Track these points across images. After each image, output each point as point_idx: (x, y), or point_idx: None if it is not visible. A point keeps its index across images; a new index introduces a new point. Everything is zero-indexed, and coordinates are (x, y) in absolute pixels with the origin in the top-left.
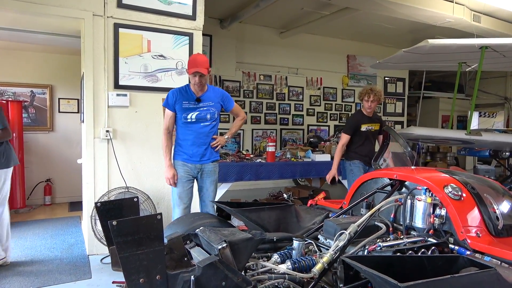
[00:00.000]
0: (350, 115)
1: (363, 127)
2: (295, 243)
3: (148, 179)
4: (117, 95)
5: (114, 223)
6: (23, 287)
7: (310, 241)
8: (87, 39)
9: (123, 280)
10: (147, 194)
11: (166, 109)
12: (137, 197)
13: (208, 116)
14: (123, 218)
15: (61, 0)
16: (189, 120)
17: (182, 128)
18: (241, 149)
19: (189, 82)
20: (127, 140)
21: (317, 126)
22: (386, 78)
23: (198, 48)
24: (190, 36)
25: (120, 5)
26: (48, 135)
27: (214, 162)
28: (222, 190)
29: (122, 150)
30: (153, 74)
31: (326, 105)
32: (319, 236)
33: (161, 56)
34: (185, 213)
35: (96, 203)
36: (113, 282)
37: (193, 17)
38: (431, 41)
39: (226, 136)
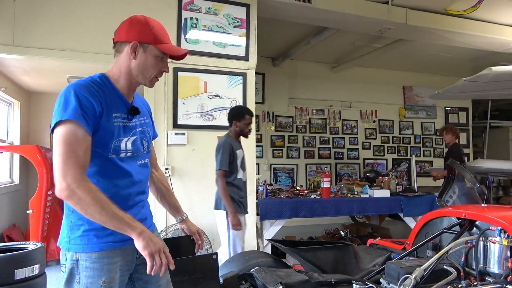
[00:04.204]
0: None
1: None
2: (355, 287)
3: (204, 215)
4: (176, 134)
5: None
6: None
7: (371, 285)
8: None
9: None
10: (203, 231)
11: (73, 128)
12: (192, 236)
13: (145, 147)
14: (179, 258)
15: None
16: (122, 155)
17: (103, 176)
18: (295, 185)
19: (102, 77)
20: (184, 177)
21: (374, 160)
22: (447, 108)
23: (251, 87)
24: (244, 75)
25: None
26: None
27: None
28: (277, 227)
29: (179, 186)
30: (209, 113)
31: (383, 138)
32: (381, 280)
33: (217, 96)
34: None
35: None
36: None
37: (246, 58)
38: (495, 68)
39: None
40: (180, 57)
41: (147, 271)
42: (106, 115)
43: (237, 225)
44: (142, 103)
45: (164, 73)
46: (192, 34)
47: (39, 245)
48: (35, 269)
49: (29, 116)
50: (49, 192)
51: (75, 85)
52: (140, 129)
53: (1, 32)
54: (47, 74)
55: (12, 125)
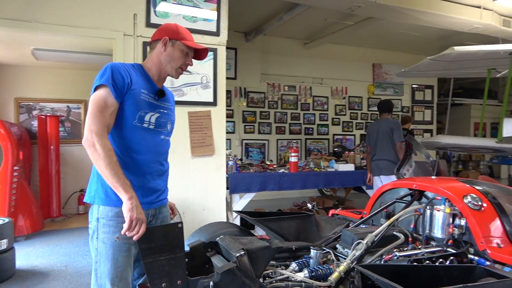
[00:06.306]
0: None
1: None
2: (312, 252)
3: (174, 188)
4: None
5: None
6: None
7: (327, 250)
8: (118, 57)
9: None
10: (173, 203)
11: (105, 94)
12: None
13: (169, 126)
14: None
15: (96, 23)
16: (145, 125)
17: (124, 138)
18: (265, 160)
19: (139, 66)
20: None
21: (343, 136)
22: (413, 86)
23: (222, 63)
24: (215, 51)
25: (148, 24)
26: (82, 147)
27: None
28: (245, 200)
29: None
30: (179, 89)
31: (352, 114)
32: (337, 246)
33: (187, 71)
34: None
35: None
36: (139, 286)
37: (217, 33)
38: (457, 48)
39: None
40: (202, 53)
41: (122, 231)
42: (135, 87)
43: None
44: (169, 94)
45: (188, 65)
46: (161, 7)
47: (7, 220)
48: (3, 243)
49: None
50: (15, 168)
51: (112, 63)
52: (165, 111)
53: None
54: (10, 45)
55: None
